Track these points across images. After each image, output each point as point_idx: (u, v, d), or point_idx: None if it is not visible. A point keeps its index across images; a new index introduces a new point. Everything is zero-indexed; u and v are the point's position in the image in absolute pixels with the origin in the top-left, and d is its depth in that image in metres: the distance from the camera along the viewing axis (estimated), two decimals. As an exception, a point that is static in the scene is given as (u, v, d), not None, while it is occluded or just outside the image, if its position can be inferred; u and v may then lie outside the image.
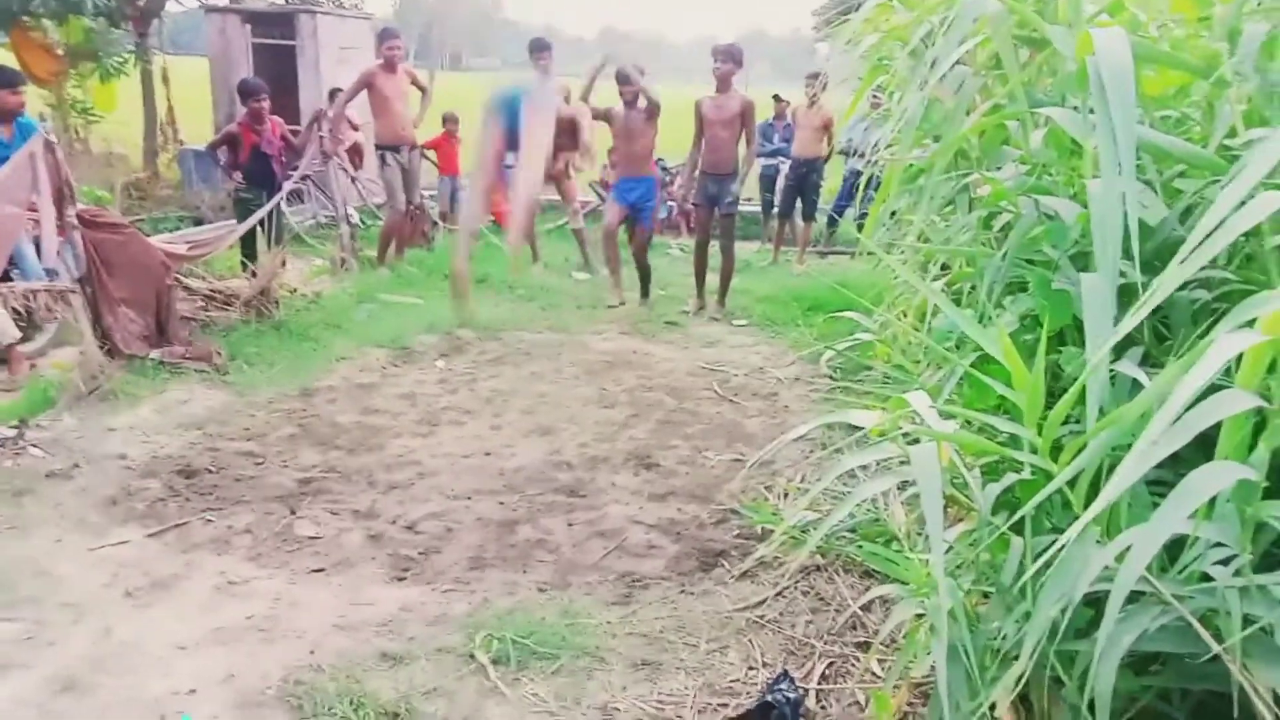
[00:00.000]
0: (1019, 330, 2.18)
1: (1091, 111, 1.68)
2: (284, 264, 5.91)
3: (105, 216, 4.76)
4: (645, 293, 7.00)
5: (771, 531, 3.30)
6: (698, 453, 4.29)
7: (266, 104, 6.57)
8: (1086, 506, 1.59)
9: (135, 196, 9.97)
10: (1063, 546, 1.38)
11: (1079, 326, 1.95)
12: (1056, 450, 1.65)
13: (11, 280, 4.70)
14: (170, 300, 5.01)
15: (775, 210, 9.37)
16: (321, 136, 7.00)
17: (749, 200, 9.07)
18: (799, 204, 8.92)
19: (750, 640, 2.86)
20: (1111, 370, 1.70)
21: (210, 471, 3.86)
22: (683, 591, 3.16)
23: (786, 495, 3.73)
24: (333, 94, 8.36)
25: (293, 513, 3.57)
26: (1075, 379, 2.03)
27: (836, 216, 9.50)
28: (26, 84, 5.34)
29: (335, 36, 10.68)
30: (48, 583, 2.95)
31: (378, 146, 7.45)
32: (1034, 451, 1.65)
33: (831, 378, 5.28)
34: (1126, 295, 1.94)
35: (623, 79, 6.24)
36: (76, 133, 10.93)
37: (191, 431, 4.24)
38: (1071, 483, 1.58)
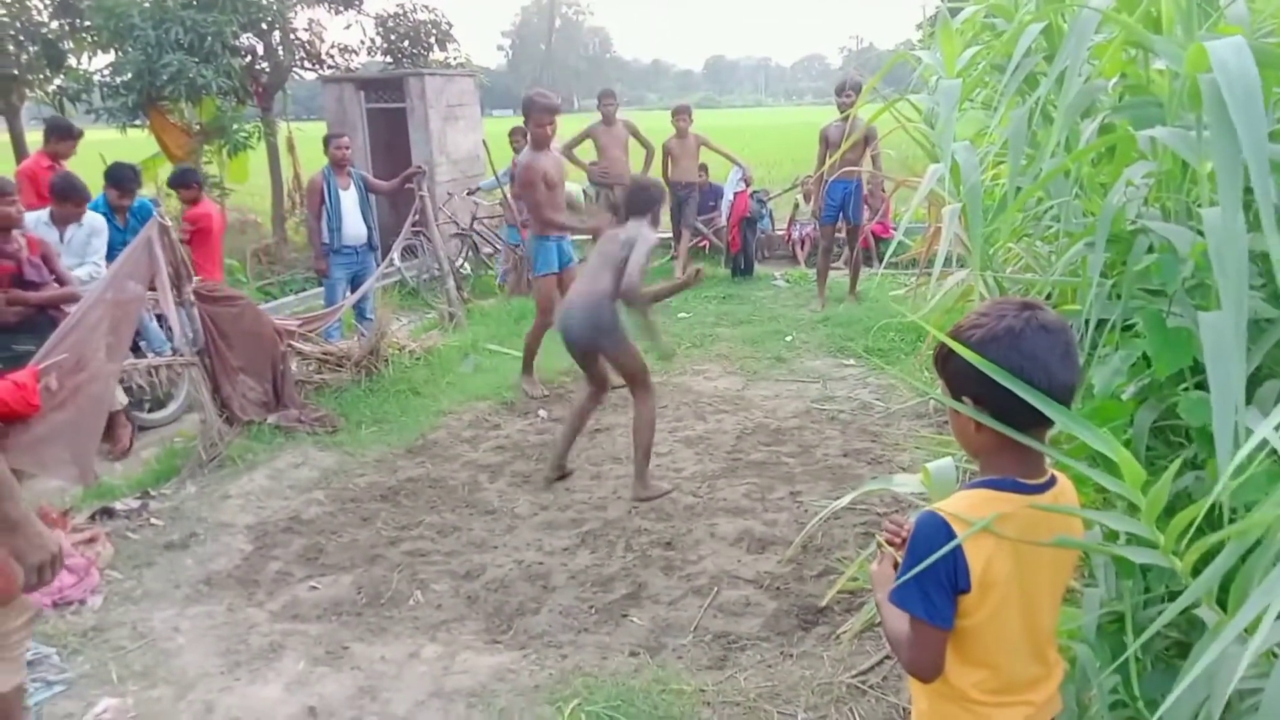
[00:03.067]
0: (1130, 372, 1.98)
1: (1206, 130, 1.49)
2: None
3: (220, 290, 5.01)
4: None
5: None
6: (800, 499, 4.13)
7: (16, 206, 4.49)
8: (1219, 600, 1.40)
9: (265, 262, 10.55)
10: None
11: (1197, 368, 1.75)
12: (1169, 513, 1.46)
13: (140, 350, 5.00)
14: (285, 366, 5.21)
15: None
16: (422, 196, 7.21)
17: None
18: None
19: (852, 709, 2.69)
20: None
21: (317, 536, 3.96)
22: (781, 653, 3.01)
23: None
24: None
25: (393, 575, 3.61)
26: (1193, 428, 1.83)
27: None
28: (140, 186, 5.71)
29: (443, 95, 11.08)
30: (158, 657, 3.06)
31: (594, 183, 8.74)
32: (1153, 546, 1.44)
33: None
34: (1254, 332, 1.72)
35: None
36: (210, 206, 11.62)
37: (302, 495, 4.37)
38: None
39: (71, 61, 10.89)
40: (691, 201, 9.19)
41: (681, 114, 8.92)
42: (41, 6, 10.44)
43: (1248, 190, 1.50)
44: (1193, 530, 1.35)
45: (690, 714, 2.69)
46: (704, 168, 10.41)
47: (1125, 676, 1.69)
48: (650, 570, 3.59)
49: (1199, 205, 1.77)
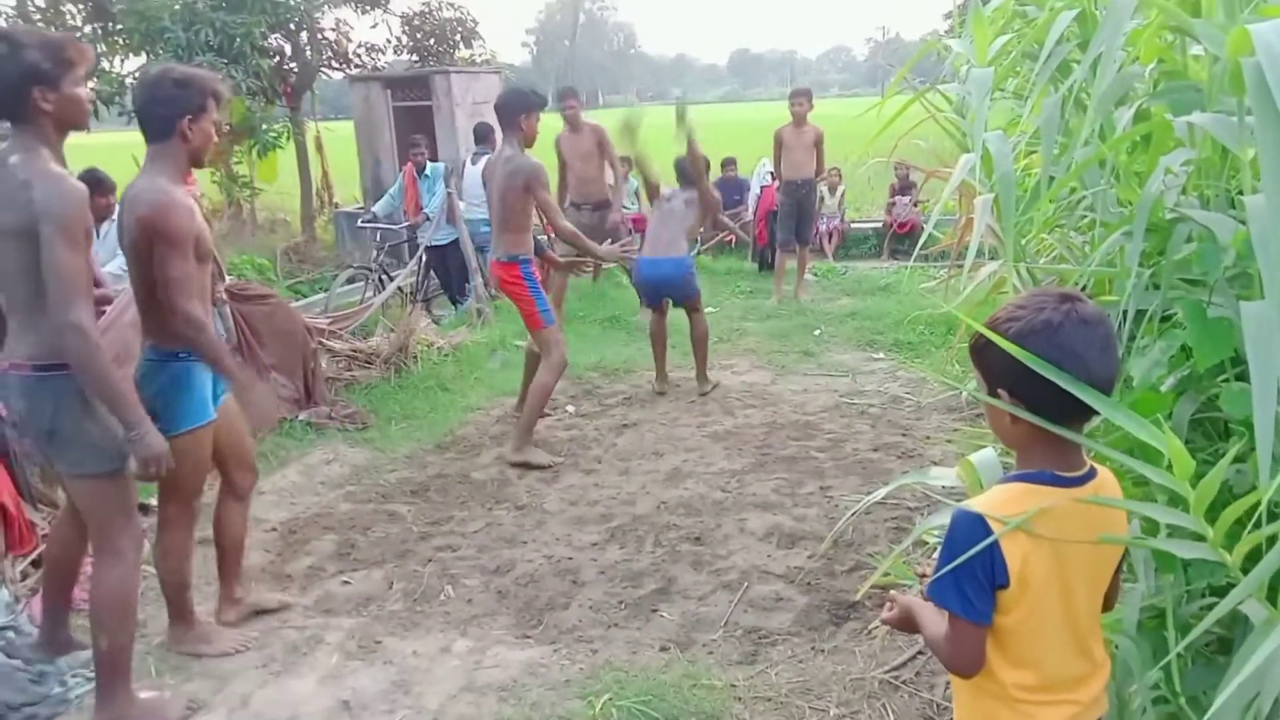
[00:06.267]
0: (1170, 363, 1.94)
1: (1249, 115, 1.45)
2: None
3: (252, 289, 5.07)
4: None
5: (907, 586, 3.08)
6: (830, 494, 4.10)
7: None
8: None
9: (295, 260, 10.65)
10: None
11: (1238, 359, 1.71)
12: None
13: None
14: (315, 364, 5.26)
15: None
16: (450, 193, 7.24)
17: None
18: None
19: (884, 705, 2.67)
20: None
21: (348, 531, 4.00)
22: (813, 648, 3.00)
23: (925, 542, 3.49)
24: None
25: (424, 570, 3.63)
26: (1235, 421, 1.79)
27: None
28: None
29: (469, 93, 11.13)
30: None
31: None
32: (1200, 539, 1.41)
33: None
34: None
35: None
36: (240, 205, 11.78)
37: (333, 491, 4.41)
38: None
39: (104, 65, 11.04)
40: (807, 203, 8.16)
41: (800, 98, 7.81)
42: (75, 10, 10.59)
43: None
44: (1232, 525, 1.33)
45: (721, 709, 2.68)
46: (732, 161, 10.38)
47: (1166, 672, 1.66)
48: (680, 565, 3.59)
49: (1240, 193, 1.73)
